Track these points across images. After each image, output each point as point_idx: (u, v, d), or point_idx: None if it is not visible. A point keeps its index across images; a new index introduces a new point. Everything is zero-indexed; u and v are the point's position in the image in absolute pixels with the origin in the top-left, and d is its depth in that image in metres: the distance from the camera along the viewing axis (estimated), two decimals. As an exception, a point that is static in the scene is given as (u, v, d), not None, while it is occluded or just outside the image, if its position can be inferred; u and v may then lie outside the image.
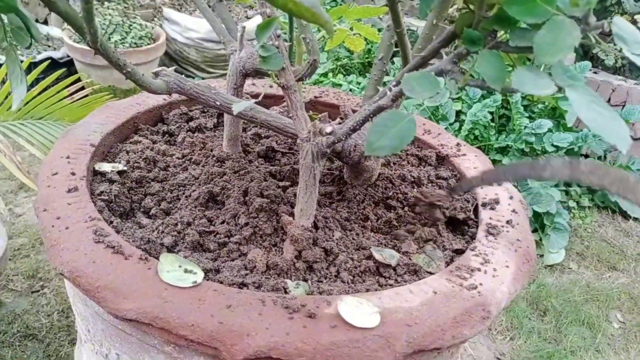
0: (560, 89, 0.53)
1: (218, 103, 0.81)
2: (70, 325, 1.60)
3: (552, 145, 2.25)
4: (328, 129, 0.76)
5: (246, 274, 0.75)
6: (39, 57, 2.56)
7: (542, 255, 2.16)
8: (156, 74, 0.77)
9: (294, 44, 0.84)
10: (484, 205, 0.93)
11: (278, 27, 0.80)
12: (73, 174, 0.85)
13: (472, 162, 1.06)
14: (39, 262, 1.83)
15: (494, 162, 2.37)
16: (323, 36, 1.06)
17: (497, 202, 0.93)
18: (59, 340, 1.56)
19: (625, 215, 2.51)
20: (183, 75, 0.80)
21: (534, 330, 1.82)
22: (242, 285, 0.72)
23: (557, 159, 0.65)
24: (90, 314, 0.77)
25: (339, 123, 0.79)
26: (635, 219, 2.51)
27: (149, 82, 0.74)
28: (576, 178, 0.64)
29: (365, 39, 1.11)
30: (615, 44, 0.56)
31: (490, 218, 0.89)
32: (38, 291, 1.74)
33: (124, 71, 0.69)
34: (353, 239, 0.87)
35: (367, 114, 0.69)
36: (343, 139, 0.75)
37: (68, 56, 2.64)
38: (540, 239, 2.19)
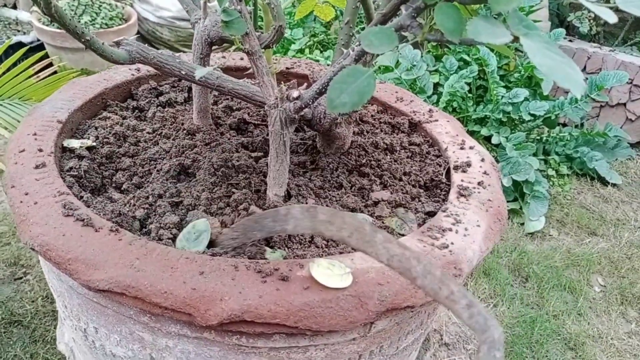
0: (516, 38, 0.53)
1: (183, 72, 0.80)
2: (55, 310, 1.59)
3: (529, 114, 2.27)
4: (295, 94, 0.76)
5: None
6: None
7: (522, 224, 2.19)
8: (117, 44, 0.75)
9: (258, 8, 0.83)
10: (456, 168, 0.93)
11: (241, -7, 0.79)
12: (40, 150, 0.83)
13: (444, 127, 1.07)
14: (21, 250, 1.81)
15: (472, 132, 2.38)
16: (293, 4, 1.05)
17: (468, 165, 0.94)
18: (45, 325, 1.55)
19: (604, 182, 2.55)
20: (146, 45, 0.79)
21: (517, 297, 1.85)
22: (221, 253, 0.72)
23: (296, 208, 0.59)
24: (66, 289, 0.77)
25: (306, 89, 0.79)
26: (613, 184, 2.55)
27: (110, 52, 0.73)
28: (318, 230, 0.58)
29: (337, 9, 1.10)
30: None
31: (462, 180, 0.90)
32: (21, 278, 1.72)
33: (83, 40, 0.68)
34: (327, 205, 0.87)
35: (331, 75, 0.69)
36: (310, 103, 0.75)
37: (38, 40, 2.58)
38: (521, 208, 2.22)
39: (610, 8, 0.54)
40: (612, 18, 0.53)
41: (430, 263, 0.50)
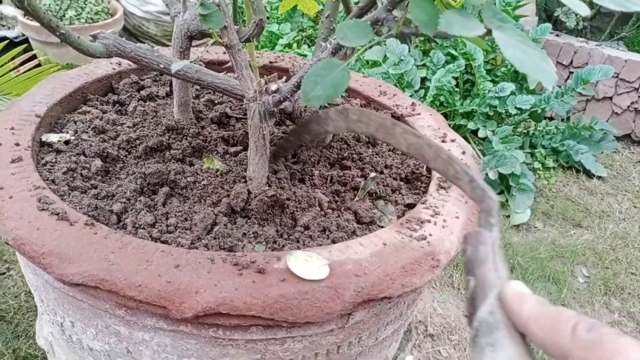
0: (489, 31, 0.53)
1: (161, 66, 0.80)
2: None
3: (515, 107, 2.28)
4: (273, 87, 0.76)
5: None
6: (-6, 37, 2.48)
7: (508, 216, 2.21)
8: (94, 37, 0.75)
9: (237, 1, 0.83)
10: (437, 160, 0.94)
11: (219, -15, 0.79)
12: (17, 144, 0.83)
13: (427, 121, 1.07)
14: (3, 245, 1.80)
15: (459, 126, 2.39)
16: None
17: (449, 157, 0.94)
18: (28, 321, 1.54)
19: (589, 175, 2.57)
20: (123, 38, 0.78)
21: (501, 288, 1.87)
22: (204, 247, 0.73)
23: (332, 111, 0.68)
24: (42, 283, 0.77)
25: (286, 82, 0.79)
26: (599, 177, 2.57)
27: (87, 45, 0.72)
28: (351, 128, 0.66)
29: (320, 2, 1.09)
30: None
31: (442, 172, 0.90)
32: (4, 273, 1.71)
33: (57, 33, 0.67)
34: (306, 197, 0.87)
35: (308, 68, 0.69)
36: (289, 96, 0.75)
37: (23, 35, 2.56)
38: (507, 200, 2.23)
39: (584, 1, 0.55)
40: (584, 11, 0.54)
41: (439, 148, 0.58)
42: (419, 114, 1.10)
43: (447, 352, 1.60)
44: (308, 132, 0.76)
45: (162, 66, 0.80)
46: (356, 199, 0.87)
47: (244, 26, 0.89)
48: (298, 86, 0.74)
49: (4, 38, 2.51)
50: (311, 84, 0.56)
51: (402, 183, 0.93)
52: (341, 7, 0.90)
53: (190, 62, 0.73)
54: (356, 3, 0.82)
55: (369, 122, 0.65)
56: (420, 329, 1.67)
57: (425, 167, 0.96)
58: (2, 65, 1.29)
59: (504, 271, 0.41)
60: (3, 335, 1.47)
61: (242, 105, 1.08)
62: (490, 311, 0.39)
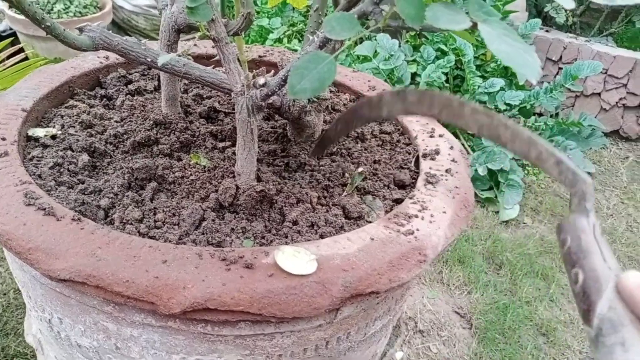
0: (475, 25, 0.53)
1: (149, 59, 0.79)
2: (26, 303, 1.57)
3: (505, 103, 2.29)
4: (261, 81, 0.75)
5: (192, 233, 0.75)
6: (-20, 31, 2.45)
7: (497, 212, 2.22)
8: (81, 30, 0.74)
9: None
10: (425, 156, 0.94)
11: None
12: (3, 139, 0.82)
13: (415, 116, 1.07)
14: (-9, 242, 1.78)
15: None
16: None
17: (437, 152, 0.94)
18: (17, 318, 1.53)
19: (577, 170, 2.59)
20: (110, 32, 0.78)
21: (490, 284, 1.88)
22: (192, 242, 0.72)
23: (388, 93, 0.61)
24: (29, 279, 0.76)
25: (274, 76, 0.78)
26: (587, 173, 2.58)
27: (73, 38, 0.71)
28: (410, 110, 0.60)
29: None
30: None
31: (430, 168, 0.90)
32: (-8, 271, 1.70)
33: (43, 25, 0.67)
34: (298, 192, 0.87)
35: (296, 62, 0.68)
36: (277, 90, 0.75)
37: (11, 29, 2.53)
38: (495, 196, 2.24)
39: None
40: (569, 4, 0.54)
41: (518, 128, 0.51)
42: (408, 109, 1.10)
43: (436, 348, 1.61)
44: (359, 119, 0.68)
45: (149, 59, 0.79)
46: (344, 194, 0.87)
47: (233, 20, 0.89)
48: (286, 80, 0.74)
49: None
50: (297, 77, 0.55)
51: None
52: (330, 1, 0.90)
53: (178, 55, 0.72)
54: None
55: (431, 103, 0.58)
56: (410, 325, 1.68)
57: (413, 162, 0.97)
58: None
59: (613, 260, 0.38)
60: (-9, 333, 1.45)
61: (230, 99, 1.08)
62: (610, 306, 0.36)
